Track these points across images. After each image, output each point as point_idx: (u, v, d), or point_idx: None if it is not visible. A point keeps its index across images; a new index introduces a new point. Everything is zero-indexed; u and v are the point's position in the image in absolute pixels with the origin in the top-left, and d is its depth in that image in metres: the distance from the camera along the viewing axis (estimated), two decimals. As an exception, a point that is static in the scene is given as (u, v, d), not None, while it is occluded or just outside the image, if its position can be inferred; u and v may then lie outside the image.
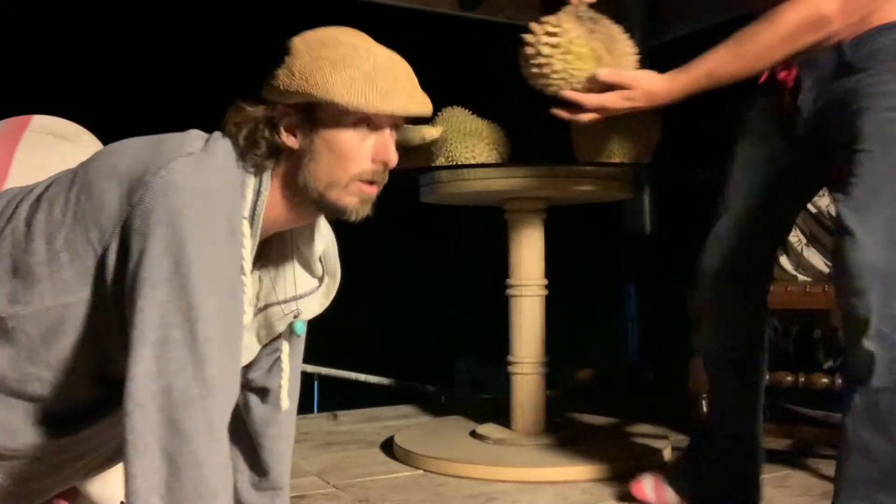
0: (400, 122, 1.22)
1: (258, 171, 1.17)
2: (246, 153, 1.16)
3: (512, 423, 2.42)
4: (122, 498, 1.35)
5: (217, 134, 1.17)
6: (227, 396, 1.08)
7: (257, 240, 1.19)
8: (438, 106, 2.43)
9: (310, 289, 1.37)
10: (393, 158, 1.20)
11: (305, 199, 1.20)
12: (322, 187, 1.18)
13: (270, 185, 1.18)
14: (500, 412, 2.59)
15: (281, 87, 1.15)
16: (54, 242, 1.10)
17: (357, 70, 1.14)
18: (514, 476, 2.13)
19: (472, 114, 2.39)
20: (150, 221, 1.04)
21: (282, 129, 1.17)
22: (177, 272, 1.03)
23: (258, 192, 1.17)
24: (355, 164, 1.18)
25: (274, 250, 1.33)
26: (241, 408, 1.43)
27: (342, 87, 1.13)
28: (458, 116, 2.36)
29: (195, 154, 1.10)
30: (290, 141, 1.17)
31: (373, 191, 1.21)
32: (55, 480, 1.25)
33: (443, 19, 3.39)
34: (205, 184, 1.08)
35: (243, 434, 1.44)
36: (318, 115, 1.16)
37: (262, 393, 1.42)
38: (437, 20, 3.43)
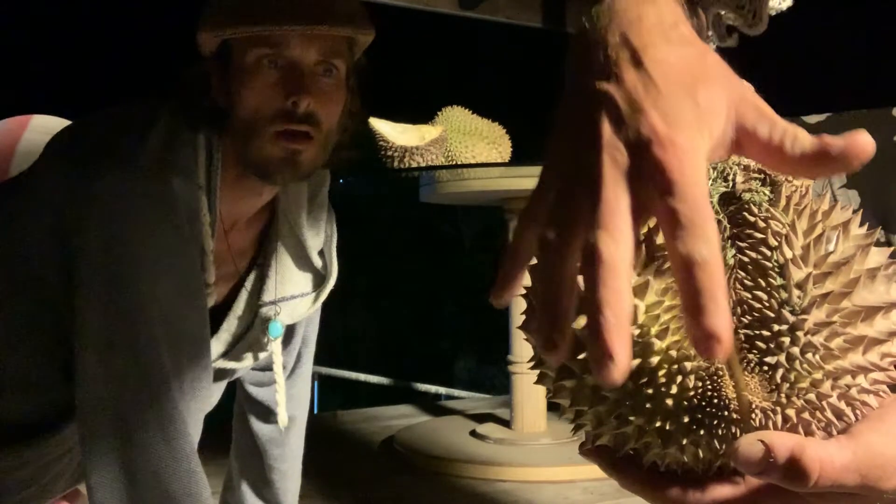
0: (328, 57, 1.06)
1: (207, 139, 1.07)
2: (191, 121, 1.07)
3: (512, 423, 2.42)
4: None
5: (163, 106, 1.07)
6: (183, 399, 1.00)
7: (216, 214, 1.08)
8: (438, 106, 2.44)
9: (304, 290, 1.26)
10: (306, 90, 1.03)
11: (242, 164, 1.08)
12: (244, 142, 1.06)
13: (223, 157, 1.08)
14: (499, 412, 2.59)
15: (199, 39, 1.07)
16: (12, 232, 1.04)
17: None
18: (514, 476, 2.13)
19: (472, 114, 2.40)
20: (86, 212, 0.98)
21: (212, 90, 1.08)
22: (115, 268, 0.96)
23: (210, 160, 1.07)
24: (265, 103, 1.04)
25: (267, 244, 1.22)
26: (244, 419, 1.39)
27: (221, 14, 1.04)
28: (458, 116, 2.36)
29: (133, 136, 1.02)
30: (221, 100, 1.07)
31: (295, 145, 1.05)
32: (43, 484, 1.17)
33: (443, 19, 3.39)
34: (146, 167, 1.00)
35: (248, 444, 1.39)
36: (231, 61, 1.06)
37: (264, 410, 1.36)
38: (437, 20, 3.43)
